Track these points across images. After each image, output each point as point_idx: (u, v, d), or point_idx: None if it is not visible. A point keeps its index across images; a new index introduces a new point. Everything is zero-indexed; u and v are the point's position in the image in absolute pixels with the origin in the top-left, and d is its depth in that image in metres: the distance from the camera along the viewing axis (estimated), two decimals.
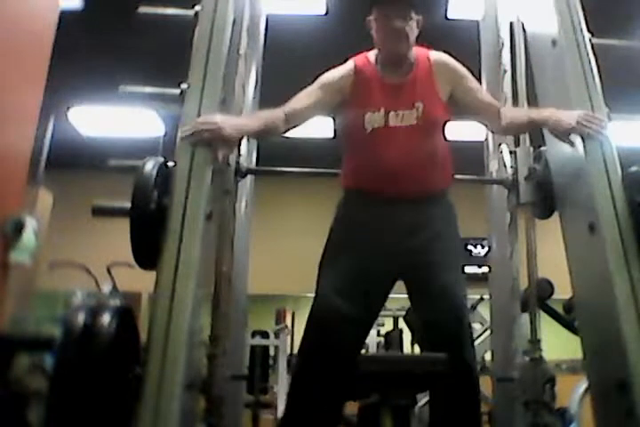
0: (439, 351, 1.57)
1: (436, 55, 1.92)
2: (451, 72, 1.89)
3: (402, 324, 4.29)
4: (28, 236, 2.83)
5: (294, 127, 1.82)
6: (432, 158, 1.86)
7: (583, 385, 3.35)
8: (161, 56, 4.32)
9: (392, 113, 1.81)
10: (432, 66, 1.88)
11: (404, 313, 3.88)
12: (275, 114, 1.78)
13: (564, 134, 1.69)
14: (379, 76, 1.87)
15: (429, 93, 1.85)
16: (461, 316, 1.73)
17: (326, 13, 4.43)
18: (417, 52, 1.90)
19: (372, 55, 1.93)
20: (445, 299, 1.71)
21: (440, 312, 1.70)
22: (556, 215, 1.92)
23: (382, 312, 2.19)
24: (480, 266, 6.61)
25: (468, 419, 1.71)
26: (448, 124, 1.90)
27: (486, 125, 2.00)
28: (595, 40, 1.85)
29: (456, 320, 1.72)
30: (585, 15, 1.88)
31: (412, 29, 1.85)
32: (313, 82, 1.87)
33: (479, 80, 2.69)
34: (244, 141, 2.21)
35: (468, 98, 1.88)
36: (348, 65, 1.90)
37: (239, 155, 2.17)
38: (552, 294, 2.69)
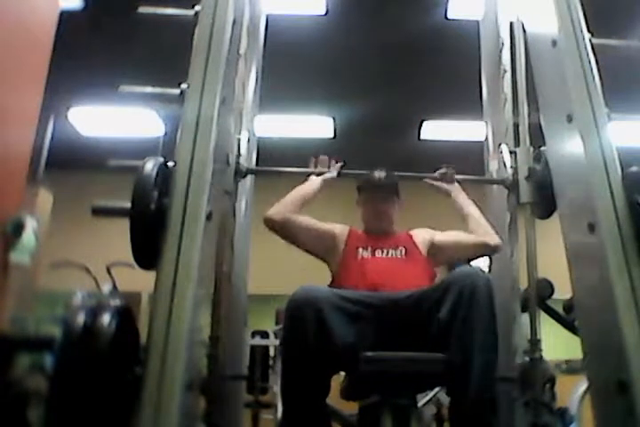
0: None
1: (415, 230, 2.30)
2: (427, 233, 2.28)
3: None
4: (28, 236, 2.83)
5: (284, 218, 2.20)
6: (415, 281, 1.99)
7: (583, 385, 3.35)
8: (161, 56, 4.33)
9: (378, 250, 2.16)
10: (411, 235, 2.26)
11: None
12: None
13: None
14: (366, 234, 2.25)
15: (410, 246, 2.20)
16: None
17: (326, 13, 4.42)
18: (398, 231, 2.28)
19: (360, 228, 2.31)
20: None
21: None
22: (555, 215, 1.92)
23: None
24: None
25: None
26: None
27: (479, 245, 2.23)
28: (595, 40, 1.85)
29: None
30: (585, 15, 1.87)
31: (395, 210, 2.27)
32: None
33: (479, 80, 2.72)
34: (243, 141, 2.22)
35: (448, 239, 2.26)
36: (346, 226, 2.27)
37: (239, 155, 2.17)
38: (552, 294, 2.68)
